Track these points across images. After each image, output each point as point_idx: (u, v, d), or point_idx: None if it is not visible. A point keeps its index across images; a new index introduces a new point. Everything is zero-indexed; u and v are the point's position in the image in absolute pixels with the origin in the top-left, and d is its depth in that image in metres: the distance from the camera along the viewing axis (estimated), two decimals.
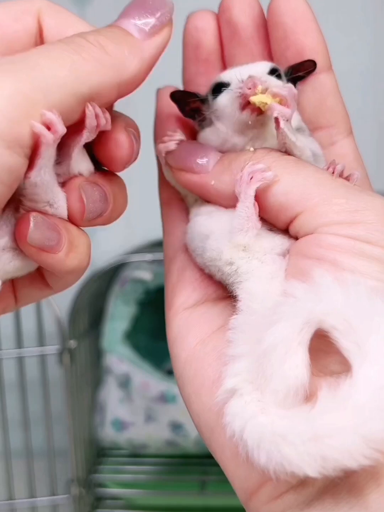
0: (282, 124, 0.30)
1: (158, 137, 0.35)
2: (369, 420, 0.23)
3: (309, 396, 0.25)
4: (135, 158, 0.30)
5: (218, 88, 0.33)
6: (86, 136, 0.28)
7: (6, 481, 0.84)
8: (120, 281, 0.88)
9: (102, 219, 0.30)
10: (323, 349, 0.25)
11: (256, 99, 0.30)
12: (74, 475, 0.82)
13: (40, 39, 0.30)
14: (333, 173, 0.30)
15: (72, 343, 0.79)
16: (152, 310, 0.89)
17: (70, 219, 0.29)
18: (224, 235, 0.31)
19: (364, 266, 0.27)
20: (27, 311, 0.81)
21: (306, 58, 0.33)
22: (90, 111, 0.27)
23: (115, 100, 0.29)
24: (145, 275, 0.86)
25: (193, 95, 0.34)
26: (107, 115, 0.28)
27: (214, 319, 0.31)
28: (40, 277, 0.31)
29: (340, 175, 0.30)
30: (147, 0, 0.29)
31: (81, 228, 0.30)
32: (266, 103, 0.30)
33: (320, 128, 0.34)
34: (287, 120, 0.30)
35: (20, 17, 0.30)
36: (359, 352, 0.24)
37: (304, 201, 0.28)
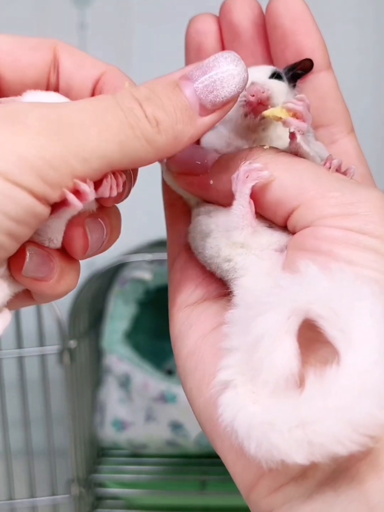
0: (299, 139, 0.30)
1: None
2: (355, 405, 0.23)
3: (302, 385, 0.25)
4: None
5: None
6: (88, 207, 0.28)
7: (6, 481, 0.84)
8: (120, 281, 0.88)
9: (98, 252, 0.30)
10: (318, 339, 0.25)
11: (269, 113, 0.30)
12: (74, 475, 0.82)
13: (55, 73, 0.31)
14: (329, 168, 0.30)
15: (72, 343, 0.80)
16: (152, 310, 0.89)
17: (71, 254, 0.29)
18: (222, 233, 0.31)
19: (359, 256, 0.27)
20: (27, 311, 0.81)
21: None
22: (105, 187, 0.27)
23: None
24: (145, 275, 0.86)
25: None
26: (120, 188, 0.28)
27: (216, 315, 0.31)
28: (26, 296, 0.31)
29: (337, 169, 0.30)
30: (216, 66, 0.28)
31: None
32: (280, 118, 0.30)
33: (321, 127, 0.34)
34: (303, 134, 0.30)
35: (37, 48, 0.31)
36: (344, 338, 0.24)
37: (300, 195, 0.29)
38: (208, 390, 0.29)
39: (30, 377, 0.83)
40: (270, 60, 0.35)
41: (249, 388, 0.26)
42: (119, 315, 0.88)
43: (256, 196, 0.30)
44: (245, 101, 0.31)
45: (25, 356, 0.83)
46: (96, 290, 0.83)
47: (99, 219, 0.29)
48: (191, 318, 0.32)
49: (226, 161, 0.31)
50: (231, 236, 0.31)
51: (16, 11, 0.88)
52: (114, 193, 0.28)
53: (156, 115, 0.27)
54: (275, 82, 0.32)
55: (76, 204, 0.26)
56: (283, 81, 0.33)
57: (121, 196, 0.29)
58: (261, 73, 0.33)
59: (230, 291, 0.31)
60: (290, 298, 0.25)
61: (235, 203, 0.30)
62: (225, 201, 0.31)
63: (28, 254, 0.27)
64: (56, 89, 0.32)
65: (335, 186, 0.29)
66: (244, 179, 0.29)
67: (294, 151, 0.31)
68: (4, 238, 0.24)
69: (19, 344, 0.82)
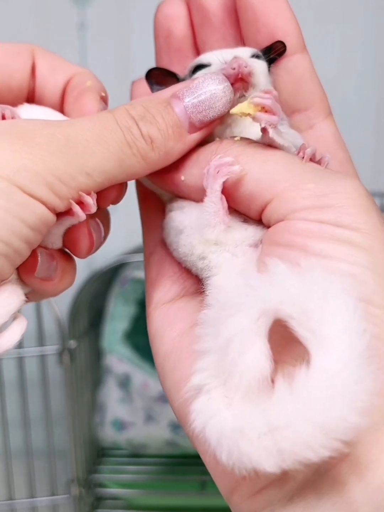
0: (271, 133, 0.29)
1: None
2: (325, 408, 0.22)
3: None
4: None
5: (197, 69, 0.32)
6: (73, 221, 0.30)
7: (6, 481, 0.84)
8: (120, 281, 0.88)
9: (97, 249, 0.32)
10: (294, 337, 0.25)
11: (237, 110, 0.30)
12: (74, 475, 0.82)
13: (32, 77, 0.33)
14: (303, 157, 0.29)
15: (72, 343, 0.80)
16: None
17: (76, 253, 0.31)
18: (195, 230, 0.31)
19: (335, 250, 0.26)
20: (27, 311, 0.81)
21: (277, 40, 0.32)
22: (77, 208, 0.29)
23: None
24: None
25: (172, 73, 0.33)
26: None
27: (193, 313, 0.31)
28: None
29: (312, 159, 0.30)
30: (205, 87, 0.30)
31: (68, 255, 0.32)
32: (248, 114, 0.30)
33: (297, 111, 0.34)
34: (275, 127, 0.30)
35: (20, 53, 0.33)
36: (314, 339, 0.23)
37: (273, 188, 0.28)
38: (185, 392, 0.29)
39: (30, 377, 0.83)
40: (241, 44, 0.34)
41: (222, 392, 0.25)
42: (119, 315, 0.87)
43: (228, 190, 0.29)
44: (228, 74, 0.31)
45: (25, 356, 0.83)
46: (96, 290, 0.83)
47: (97, 219, 0.31)
48: (168, 316, 0.32)
49: (197, 155, 0.31)
50: (204, 233, 0.30)
51: (16, 11, 0.88)
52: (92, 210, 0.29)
53: (151, 134, 0.29)
54: (257, 62, 0.32)
55: (80, 215, 0.28)
56: (263, 61, 0.32)
57: (117, 200, 0.31)
58: (242, 52, 0.32)
59: (206, 288, 0.31)
60: (259, 299, 0.24)
61: (206, 199, 0.29)
62: (197, 196, 0.31)
63: (39, 256, 0.29)
64: (32, 92, 0.34)
65: (309, 177, 0.28)
66: (214, 174, 0.29)
67: (268, 143, 0.30)
68: (22, 245, 0.27)
69: (19, 344, 0.82)
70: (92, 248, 0.31)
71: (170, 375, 0.30)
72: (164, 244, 0.33)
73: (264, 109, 0.29)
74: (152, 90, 0.34)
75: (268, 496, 0.25)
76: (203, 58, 0.32)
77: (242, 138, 0.31)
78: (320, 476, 0.24)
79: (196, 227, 0.30)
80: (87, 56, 0.92)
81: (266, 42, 0.32)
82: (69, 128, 0.28)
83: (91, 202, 0.28)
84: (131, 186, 0.35)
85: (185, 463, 0.85)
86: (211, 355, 0.26)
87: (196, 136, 0.31)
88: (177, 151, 0.30)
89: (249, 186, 0.29)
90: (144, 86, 0.34)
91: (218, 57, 0.32)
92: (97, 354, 0.89)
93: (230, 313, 0.25)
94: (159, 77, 0.33)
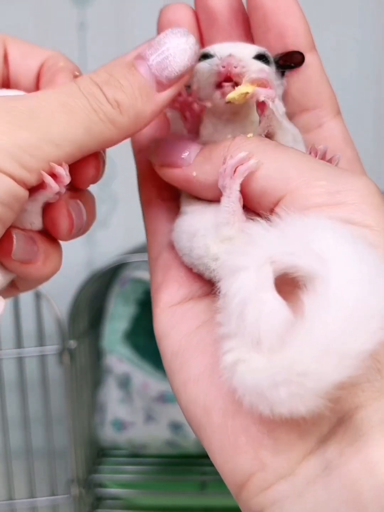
0: (271, 105, 0.29)
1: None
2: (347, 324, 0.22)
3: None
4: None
5: (202, 59, 0.31)
6: (49, 197, 0.29)
7: (6, 481, 0.84)
8: (120, 281, 0.88)
9: (80, 233, 0.32)
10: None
11: (233, 94, 0.29)
12: (74, 475, 0.82)
13: (5, 65, 0.33)
14: (314, 155, 0.29)
15: (72, 343, 0.80)
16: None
17: (56, 235, 0.31)
18: (209, 231, 0.30)
19: None
20: (27, 311, 0.81)
21: (288, 40, 0.32)
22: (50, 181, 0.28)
23: None
24: (145, 275, 0.86)
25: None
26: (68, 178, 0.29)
27: (200, 314, 0.31)
28: (12, 288, 0.32)
29: (322, 157, 0.30)
30: (167, 42, 0.30)
31: (51, 237, 0.31)
32: (247, 93, 0.29)
33: (306, 110, 0.33)
34: (273, 101, 0.29)
35: None
36: (321, 267, 0.23)
37: (285, 185, 0.28)
38: (194, 389, 0.29)
39: (30, 377, 0.83)
40: (251, 43, 0.33)
41: (257, 356, 0.25)
42: (119, 315, 0.88)
43: (240, 186, 0.29)
44: (216, 70, 0.30)
45: (24, 356, 0.83)
46: (96, 290, 0.83)
47: (78, 201, 0.31)
48: (175, 317, 0.32)
49: (209, 152, 0.31)
50: (221, 231, 0.30)
51: (16, 11, 0.88)
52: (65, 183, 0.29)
53: (117, 97, 0.29)
54: (257, 64, 0.31)
55: (53, 186, 0.28)
56: (270, 65, 0.31)
57: (96, 178, 0.31)
58: (246, 51, 0.31)
59: (216, 290, 0.31)
60: (261, 249, 0.25)
61: (224, 199, 0.29)
62: (209, 192, 0.31)
63: (14, 236, 0.29)
64: (7, 80, 0.34)
65: (321, 174, 0.28)
66: (231, 173, 0.29)
67: (266, 126, 0.30)
68: None
69: (19, 344, 0.82)
70: (72, 229, 0.30)
71: (177, 375, 0.30)
72: (169, 248, 0.33)
73: (261, 85, 0.29)
74: None
75: (278, 493, 0.25)
76: (210, 48, 0.32)
77: (254, 136, 0.30)
78: (330, 472, 0.24)
79: (211, 226, 0.30)
80: (87, 56, 0.92)
81: (276, 41, 0.32)
82: (31, 100, 0.28)
83: (63, 172, 0.28)
84: (132, 186, 0.35)
85: (185, 463, 0.85)
86: (233, 331, 0.25)
87: (166, 95, 0.30)
88: (148, 112, 0.29)
89: (261, 182, 0.29)
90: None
91: (220, 51, 0.31)
92: (97, 354, 0.89)
93: (234, 278, 0.25)
94: None
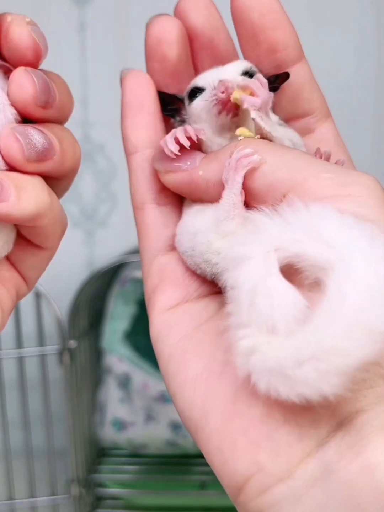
0: (253, 114, 0.30)
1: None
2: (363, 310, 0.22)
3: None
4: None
5: (194, 93, 0.32)
6: None
7: (6, 481, 0.84)
8: (120, 281, 0.88)
9: (52, 162, 0.29)
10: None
11: (235, 96, 0.30)
12: (74, 475, 0.82)
13: None
14: (319, 157, 0.30)
15: (72, 343, 0.80)
16: None
17: (14, 165, 0.29)
18: (210, 226, 0.31)
19: None
20: (27, 311, 0.81)
21: (278, 54, 0.32)
22: None
23: None
24: None
25: (173, 97, 0.33)
26: None
27: (197, 315, 0.31)
28: (27, 243, 0.31)
29: (327, 160, 0.30)
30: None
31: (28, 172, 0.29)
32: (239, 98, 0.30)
33: (298, 118, 0.34)
34: (259, 109, 0.30)
35: None
36: (328, 252, 0.24)
37: (292, 179, 0.28)
38: (191, 392, 0.28)
39: (30, 377, 0.83)
40: (236, 58, 0.33)
41: (276, 338, 0.24)
42: (119, 315, 0.88)
43: (245, 182, 0.29)
44: (216, 100, 0.30)
45: (25, 356, 0.83)
46: (96, 290, 0.83)
47: (35, 126, 0.29)
48: (171, 319, 0.32)
49: (215, 153, 0.31)
50: (221, 226, 0.30)
51: (16, 10, 0.88)
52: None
53: None
54: (245, 79, 0.31)
55: None
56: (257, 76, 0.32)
57: (48, 103, 0.29)
58: (230, 70, 0.32)
59: (213, 291, 0.31)
60: (266, 237, 0.25)
61: (226, 191, 0.29)
62: (215, 191, 0.31)
63: None
64: None
65: (328, 168, 0.28)
66: (235, 166, 0.29)
67: (258, 132, 0.30)
68: None
69: (19, 344, 0.82)
70: (23, 151, 0.28)
71: (174, 377, 0.30)
72: (164, 253, 0.33)
73: (252, 94, 0.30)
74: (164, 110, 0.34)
75: (276, 495, 0.25)
76: (198, 81, 0.32)
77: (260, 139, 0.31)
78: (329, 475, 0.24)
79: (213, 221, 0.30)
80: (87, 56, 0.92)
81: (267, 56, 0.32)
82: None
83: None
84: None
85: (185, 463, 0.85)
86: (246, 319, 0.25)
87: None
88: None
89: (269, 178, 0.29)
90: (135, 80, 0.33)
91: (208, 80, 0.32)
92: (97, 354, 0.89)
93: (241, 265, 0.25)
94: (162, 99, 0.33)
